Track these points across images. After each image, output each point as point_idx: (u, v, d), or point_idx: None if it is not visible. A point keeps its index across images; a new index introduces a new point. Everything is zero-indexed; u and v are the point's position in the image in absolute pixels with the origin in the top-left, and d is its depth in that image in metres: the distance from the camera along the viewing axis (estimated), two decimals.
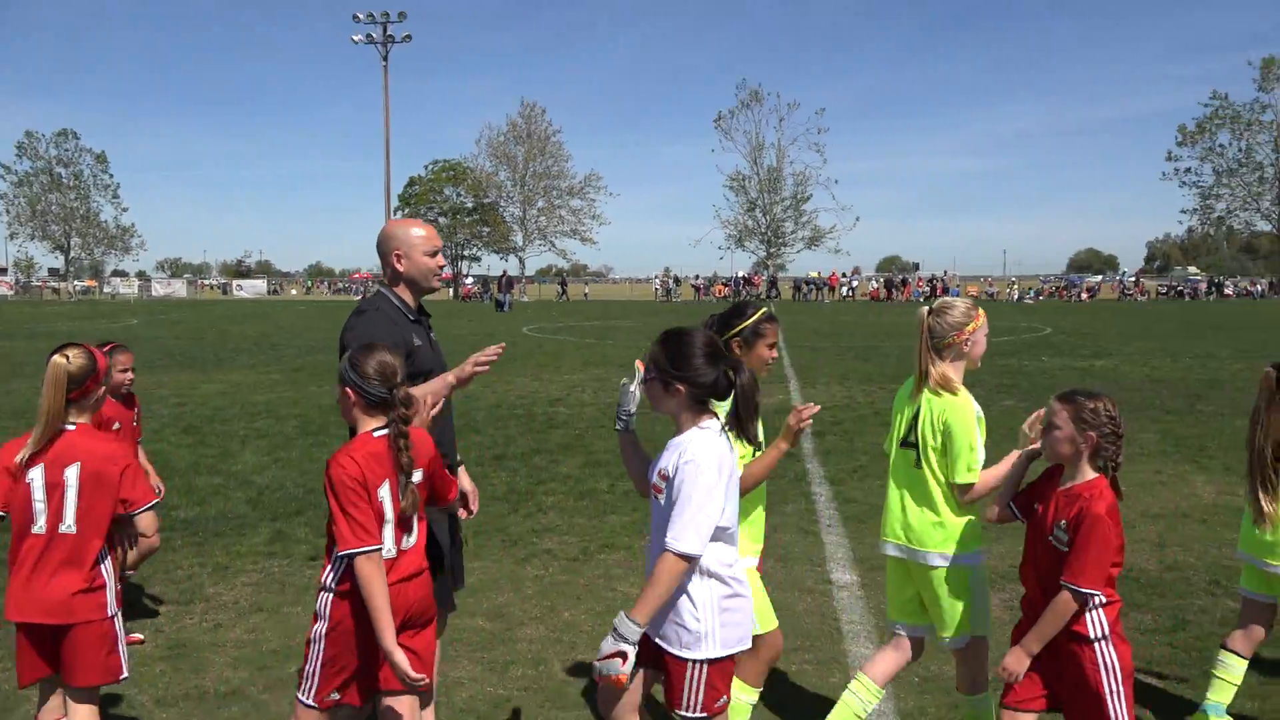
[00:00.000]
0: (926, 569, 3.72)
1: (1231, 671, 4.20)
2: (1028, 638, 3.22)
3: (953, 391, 3.77)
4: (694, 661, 2.96)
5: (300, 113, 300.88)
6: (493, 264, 75.43)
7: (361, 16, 57.59)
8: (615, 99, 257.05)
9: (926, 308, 3.85)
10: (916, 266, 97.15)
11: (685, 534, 2.86)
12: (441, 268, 3.96)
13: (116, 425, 5.09)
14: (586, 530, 7.56)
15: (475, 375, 3.64)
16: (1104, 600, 3.18)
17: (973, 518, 3.75)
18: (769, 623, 3.84)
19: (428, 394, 3.53)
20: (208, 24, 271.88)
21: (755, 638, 3.41)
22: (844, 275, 74.71)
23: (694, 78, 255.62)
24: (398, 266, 3.84)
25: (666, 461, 3.00)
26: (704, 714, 2.97)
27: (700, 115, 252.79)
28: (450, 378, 3.67)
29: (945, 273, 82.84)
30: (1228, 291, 71.65)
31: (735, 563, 3.05)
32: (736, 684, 3.75)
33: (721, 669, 3.00)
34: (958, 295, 56.60)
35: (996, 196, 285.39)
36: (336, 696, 3.09)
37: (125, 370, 5.33)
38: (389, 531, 3.10)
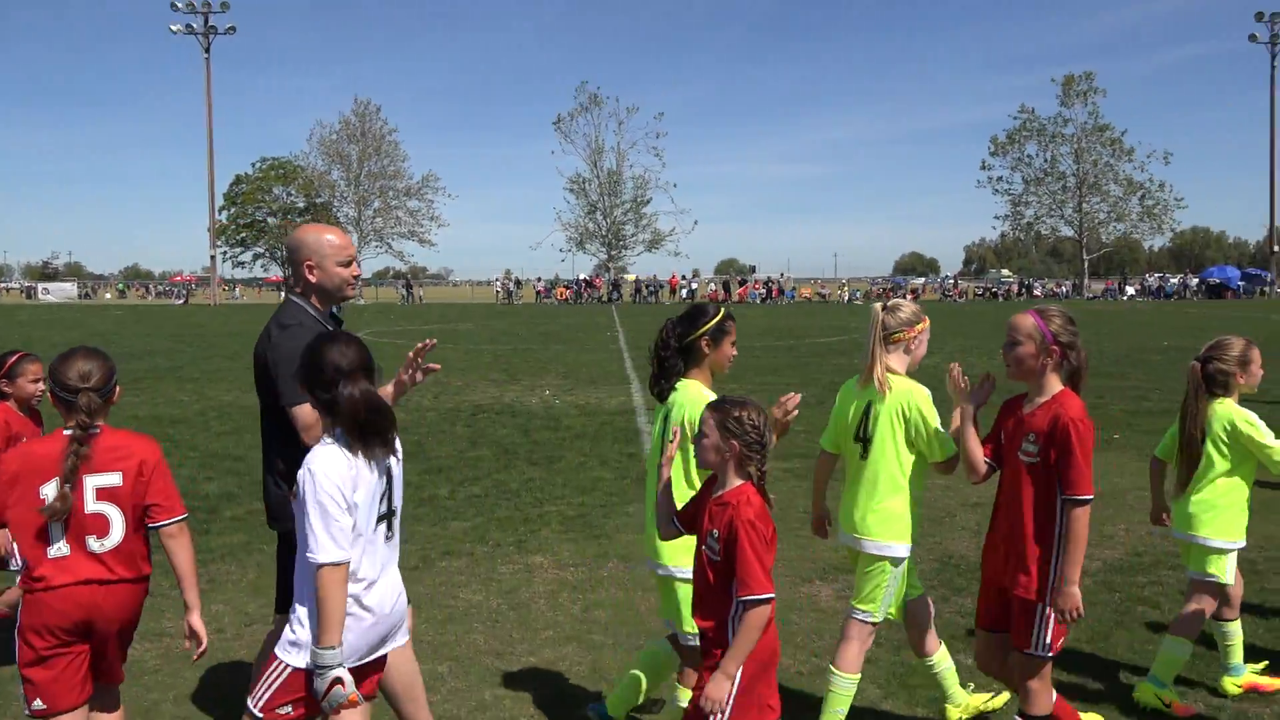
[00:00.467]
0: (865, 555, 4.04)
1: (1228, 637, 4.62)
2: (726, 660, 2.96)
3: (902, 381, 4.01)
4: (281, 663, 2.98)
5: (114, 105, 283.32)
6: None
7: (180, 5, 54.73)
8: (454, 100, 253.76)
9: (880, 304, 4.14)
10: (753, 269, 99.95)
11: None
12: (356, 277, 3.85)
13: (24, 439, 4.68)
14: (427, 538, 7.43)
15: (416, 380, 3.61)
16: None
17: (907, 510, 4.01)
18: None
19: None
20: (3, 5, 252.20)
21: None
22: (684, 277, 76.04)
23: (534, 80, 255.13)
24: (309, 276, 3.72)
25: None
26: (262, 714, 2.97)
27: (540, 118, 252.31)
28: (389, 388, 3.62)
29: (781, 275, 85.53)
30: (1036, 292, 76.77)
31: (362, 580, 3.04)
32: (680, 690, 3.94)
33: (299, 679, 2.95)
34: (793, 297, 57.94)
35: (828, 201, 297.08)
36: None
37: (36, 381, 4.91)
38: (55, 529, 3.27)
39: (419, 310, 55.01)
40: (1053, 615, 3.54)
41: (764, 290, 71.82)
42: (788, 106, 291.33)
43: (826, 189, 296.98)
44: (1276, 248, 72.45)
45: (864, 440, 4.02)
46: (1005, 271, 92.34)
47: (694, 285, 75.71)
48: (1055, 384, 3.63)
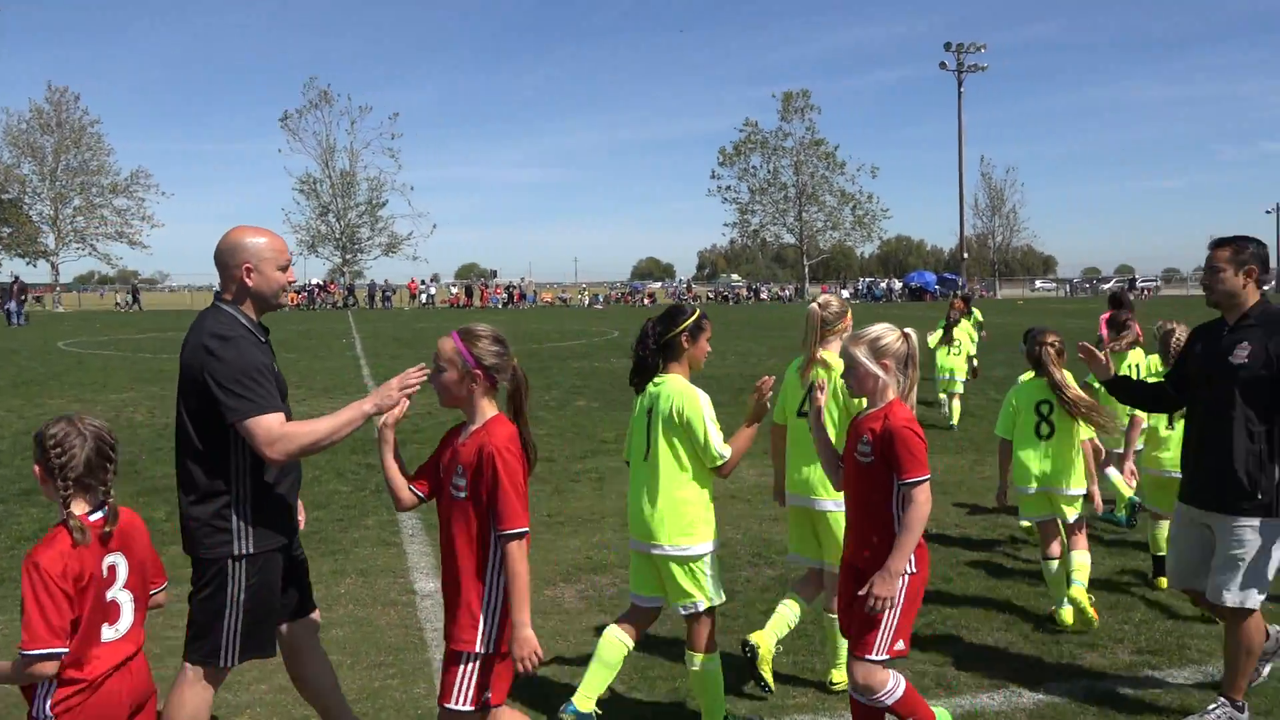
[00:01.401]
0: (821, 514, 4.65)
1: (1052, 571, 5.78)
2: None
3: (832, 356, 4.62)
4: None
5: None
6: (15, 269, 65.79)
7: None
8: (168, 91, 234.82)
9: (815, 303, 4.78)
10: (494, 273, 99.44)
11: None
12: (291, 283, 3.64)
13: None
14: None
15: (404, 405, 3.44)
16: None
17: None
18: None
19: (340, 427, 3.38)
20: None
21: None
22: (423, 282, 74.62)
23: (259, 73, 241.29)
24: (246, 280, 3.48)
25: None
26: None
27: (267, 113, 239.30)
28: (367, 405, 3.41)
29: (523, 279, 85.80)
30: (763, 296, 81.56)
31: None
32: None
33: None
34: (534, 300, 58.11)
35: (568, 207, 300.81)
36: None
37: None
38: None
39: (136, 317, 50.63)
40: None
41: (506, 295, 71.82)
42: (529, 111, 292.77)
43: (566, 195, 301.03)
44: (965, 255, 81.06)
45: (805, 415, 4.59)
46: (735, 276, 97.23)
47: (433, 290, 74.48)
48: (488, 409, 3.34)
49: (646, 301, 73.32)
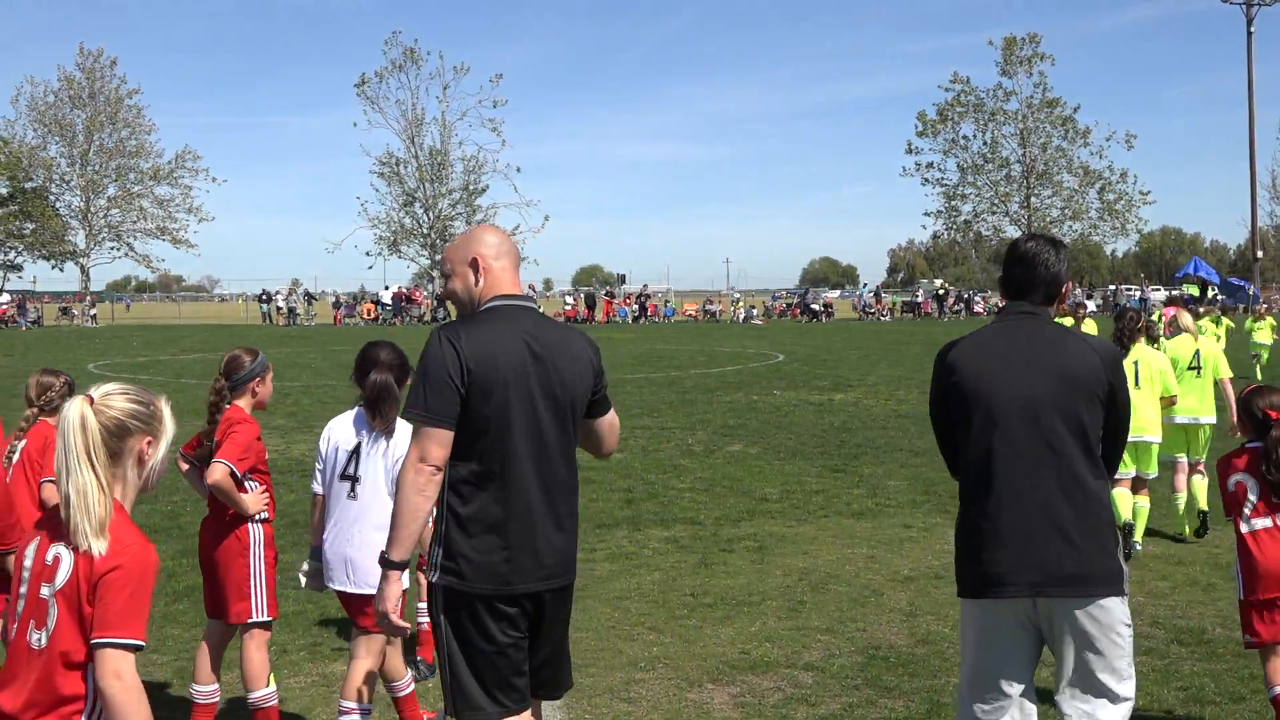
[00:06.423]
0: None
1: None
2: None
3: None
4: None
5: None
6: (40, 274, 69.75)
7: None
8: (217, 52, 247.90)
9: None
10: (623, 279, 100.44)
11: None
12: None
13: None
14: None
15: None
16: None
17: None
18: None
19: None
20: None
21: None
22: (533, 289, 76.16)
23: (329, 28, 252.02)
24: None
25: None
26: None
27: (338, 77, 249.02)
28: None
29: (660, 286, 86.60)
30: (978, 308, 79.82)
31: None
32: None
33: None
34: (673, 314, 58.55)
35: (717, 194, 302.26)
36: None
37: None
38: None
39: (175, 331, 53.29)
40: None
41: (637, 306, 72.54)
42: (662, 70, 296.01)
43: (714, 178, 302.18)
44: (1259, 253, 77.55)
45: None
46: (939, 282, 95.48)
47: (540, 300, 75.84)
48: None
49: (822, 316, 72.72)
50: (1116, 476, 7.48)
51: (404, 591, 4.11)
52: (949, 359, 4.30)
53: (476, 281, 4.14)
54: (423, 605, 6.33)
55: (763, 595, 8.24)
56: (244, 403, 5.70)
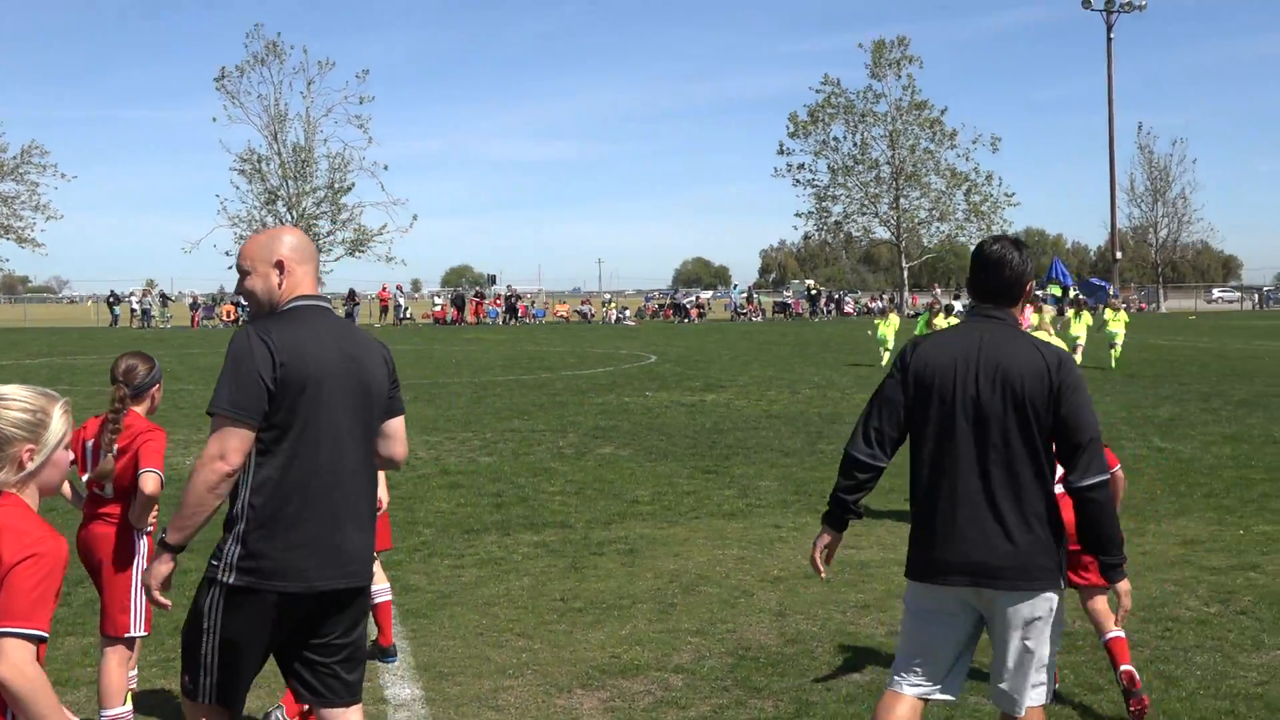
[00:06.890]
0: None
1: None
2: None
3: None
4: None
5: None
6: None
7: None
8: (64, 41, 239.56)
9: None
10: (493, 279, 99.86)
11: None
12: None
13: None
14: None
15: None
16: None
17: None
18: None
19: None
20: None
21: None
22: (399, 289, 75.22)
23: (186, 15, 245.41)
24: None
25: None
26: None
27: (196, 70, 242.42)
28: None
29: (530, 288, 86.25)
30: (848, 308, 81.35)
31: None
32: None
33: None
34: (543, 315, 58.81)
35: (588, 192, 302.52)
36: None
37: None
38: None
39: (14, 335, 51.42)
40: None
41: (506, 307, 72.23)
42: (535, 67, 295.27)
43: (586, 177, 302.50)
44: (1119, 254, 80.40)
45: None
46: (810, 283, 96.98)
47: (405, 299, 74.99)
48: None
49: (693, 316, 73.28)
50: None
51: (171, 572, 4.13)
52: (913, 355, 4.52)
53: (280, 283, 4.19)
54: (376, 589, 6.18)
55: (633, 598, 8.24)
56: (140, 409, 5.59)
